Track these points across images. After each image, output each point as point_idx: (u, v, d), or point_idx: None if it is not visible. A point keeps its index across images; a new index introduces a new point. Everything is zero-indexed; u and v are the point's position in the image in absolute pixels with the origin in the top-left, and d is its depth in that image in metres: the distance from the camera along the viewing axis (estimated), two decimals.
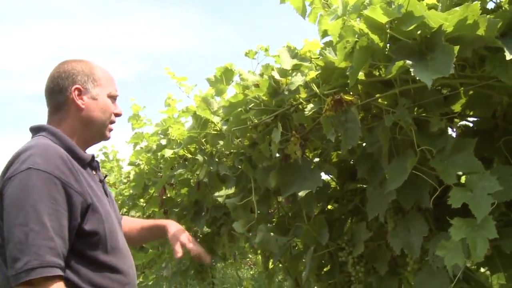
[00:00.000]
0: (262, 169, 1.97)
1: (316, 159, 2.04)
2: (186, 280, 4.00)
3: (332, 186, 2.11)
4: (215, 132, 2.28)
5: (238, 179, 2.24)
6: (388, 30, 1.31)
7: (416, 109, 1.55)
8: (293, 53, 1.69)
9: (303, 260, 2.11)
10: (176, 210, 3.13)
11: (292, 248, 2.19)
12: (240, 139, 2.04)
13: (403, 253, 1.58)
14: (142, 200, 4.01)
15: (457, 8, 1.16)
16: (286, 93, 1.66)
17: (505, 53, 1.13)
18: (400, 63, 1.22)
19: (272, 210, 2.32)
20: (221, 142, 2.20)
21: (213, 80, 2.11)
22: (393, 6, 1.28)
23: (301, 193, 1.73)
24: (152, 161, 3.29)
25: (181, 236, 1.78)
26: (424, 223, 1.53)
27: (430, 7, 1.29)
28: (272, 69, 1.74)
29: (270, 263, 2.68)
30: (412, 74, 1.18)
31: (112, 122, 1.64)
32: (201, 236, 3.52)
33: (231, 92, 2.13)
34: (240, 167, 2.17)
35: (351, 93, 1.54)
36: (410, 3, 1.22)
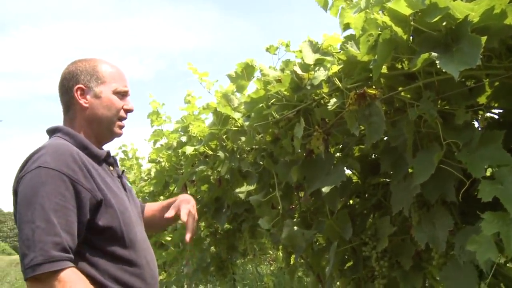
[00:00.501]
0: (284, 164, 1.97)
1: (338, 154, 2.03)
2: (206, 277, 4.01)
3: (353, 180, 2.10)
4: (236, 128, 2.29)
5: (260, 175, 2.24)
6: (411, 22, 1.30)
7: (440, 101, 1.53)
8: (315, 48, 1.69)
9: (326, 255, 2.10)
10: (197, 207, 3.14)
11: (313, 243, 2.18)
12: (261, 135, 2.03)
13: (427, 247, 1.57)
14: (162, 197, 4.04)
15: None
16: (309, 87, 1.65)
17: None
18: (426, 55, 1.21)
19: (293, 206, 2.31)
20: (243, 138, 2.20)
21: (234, 76, 2.11)
22: None
23: (325, 189, 1.72)
24: (173, 158, 3.30)
25: (182, 205, 1.77)
26: (449, 217, 1.51)
27: None
28: (294, 64, 1.73)
29: (292, 259, 2.68)
30: (438, 66, 1.17)
31: (122, 118, 1.64)
32: (221, 232, 3.53)
33: (251, 88, 2.14)
34: (261, 163, 2.16)
35: (373, 86, 1.53)
36: None
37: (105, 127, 1.61)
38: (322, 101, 1.69)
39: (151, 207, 1.95)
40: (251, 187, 2.36)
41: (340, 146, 2.05)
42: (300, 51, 1.74)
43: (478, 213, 1.21)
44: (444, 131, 1.40)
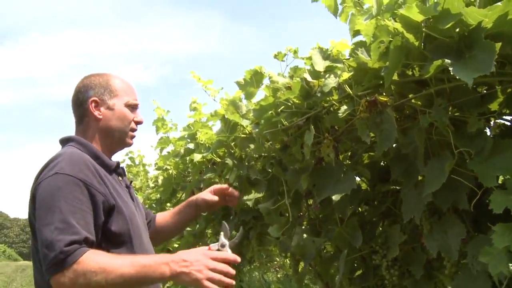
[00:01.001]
0: (293, 171, 1.96)
1: (347, 161, 2.02)
2: None
3: (362, 188, 2.08)
4: (244, 136, 2.28)
5: (269, 183, 2.23)
6: (423, 29, 1.28)
7: (451, 108, 1.51)
8: (325, 55, 1.68)
9: (334, 263, 2.08)
10: (204, 213, 3.13)
11: (322, 251, 2.17)
12: (270, 142, 2.02)
13: (439, 256, 1.54)
14: (169, 204, 4.03)
15: (498, 3, 1.12)
16: (319, 95, 1.65)
17: None
18: (438, 62, 1.20)
19: (302, 213, 2.30)
20: (251, 146, 2.20)
21: (242, 83, 2.11)
22: (428, 4, 1.25)
23: (335, 197, 1.71)
24: (180, 165, 3.30)
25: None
26: (461, 225, 1.48)
27: (467, 3, 1.26)
28: (304, 71, 1.73)
29: (300, 267, 2.66)
30: (452, 73, 1.15)
31: (133, 129, 1.74)
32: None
33: (260, 95, 2.13)
34: (270, 170, 2.15)
35: (384, 94, 1.52)
36: (446, 0, 1.20)
37: (117, 137, 1.70)
38: (332, 108, 1.68)
39: (163, 216, 2.06)
40: (259, 195, 2.35)
41: (349, 153, 2.04)
42: (309, 58, 1.74)
43: (489, 225, 1.18)
44: (456, 139, 1.38)
